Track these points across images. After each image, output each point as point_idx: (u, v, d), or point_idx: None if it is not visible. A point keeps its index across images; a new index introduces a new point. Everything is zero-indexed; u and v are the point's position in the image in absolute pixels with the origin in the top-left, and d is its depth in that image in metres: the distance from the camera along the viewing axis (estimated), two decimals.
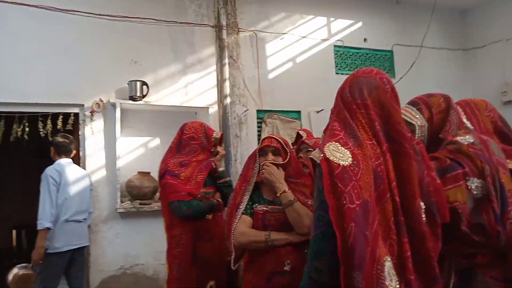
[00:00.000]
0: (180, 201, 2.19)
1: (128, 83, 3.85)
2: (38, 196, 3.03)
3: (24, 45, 3.63)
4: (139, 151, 4.19)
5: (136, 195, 3.82)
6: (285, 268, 1.72)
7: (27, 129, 3.53)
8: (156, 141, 4.27)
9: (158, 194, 4.03)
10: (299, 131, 2.79)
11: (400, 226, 1.04)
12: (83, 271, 3.38)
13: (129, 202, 3.84)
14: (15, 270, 2.93)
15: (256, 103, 4.52)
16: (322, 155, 1.06)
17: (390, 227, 1.04)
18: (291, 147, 2.04)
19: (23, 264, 2.99)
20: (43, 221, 2.92)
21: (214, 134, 2.43)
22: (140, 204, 3.75)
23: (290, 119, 4.63)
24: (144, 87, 3.91)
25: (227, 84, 4.36)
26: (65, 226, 3.06)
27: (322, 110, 4.64)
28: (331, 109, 1.24)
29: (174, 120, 4.25)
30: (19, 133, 3.50)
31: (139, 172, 3.89)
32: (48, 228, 2.94)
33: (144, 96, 3.92)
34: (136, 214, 3.80)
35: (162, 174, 2.30)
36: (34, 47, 3.66)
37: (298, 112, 4.74)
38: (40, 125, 3.57)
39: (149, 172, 3.93)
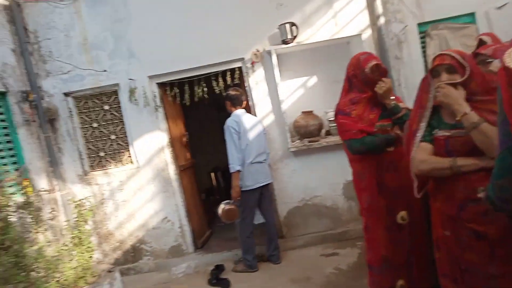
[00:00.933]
0: (351, 139, 2.20)
1: (278, 28, 3.94)
2: (224, 144, 3.57)
3: (186, 16, 4.07)
4: (299, 92, 4.36)
5: (304, 134, 4.05)
6: (478, 195, 1.57)
7: (205, 89, 4.10)
8: (314, 79, 4.35)
9: (324, 130, 4.18)
10: (482, 37, 2.29)
11: None
12: (271, 204, 3.91)
13: (298, 140, 4.12)
14: (222, 206, 3.55)
15: (416, 15, 3.98)
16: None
17: None
18: (472, 59, 1.75)
19: (227, 201, 3.59)
20: (234, 165, 3.46)
21: (366, 69, 2.18)
22: (309, 141, 3.97)
23: (461, 26, 3.92)
24: (294, 28, 3.93)
25: (378, 2, 3.95)
26: (251, 168, 3.55)
27: (506, 4, 3.75)
28: None
29: (327, 55, 4.22)
30: (200, 93, 4.11)
31: (303, 112, 4.09)
32: (239, 171, 3.46)
33: (295, 37, 3.96)
34: (306, 151, 4.06)
35: (335, 114, 2.35)
36: (193, 16, 4.06)
37: (471, 14, 3.97)
38: (214, 83, 4.09)
39: (311, 111, 4.08)
